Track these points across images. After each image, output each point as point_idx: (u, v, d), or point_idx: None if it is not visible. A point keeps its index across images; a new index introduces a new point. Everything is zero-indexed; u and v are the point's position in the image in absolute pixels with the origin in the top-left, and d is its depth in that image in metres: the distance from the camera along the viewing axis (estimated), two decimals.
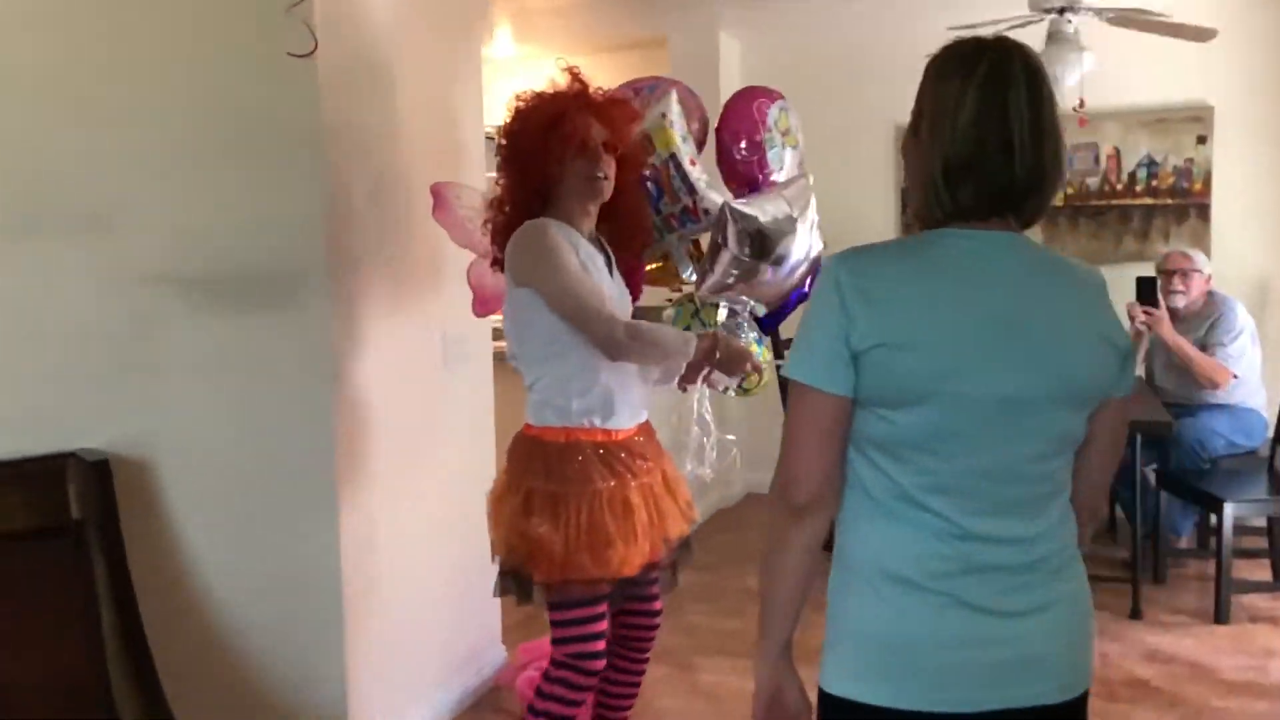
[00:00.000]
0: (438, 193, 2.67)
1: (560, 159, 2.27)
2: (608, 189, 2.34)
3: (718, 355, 2.34)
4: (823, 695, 1.38)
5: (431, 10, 2.99)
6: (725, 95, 2.83)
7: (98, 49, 2.40)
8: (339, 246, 2.59)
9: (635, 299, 2.57)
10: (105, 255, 2.41)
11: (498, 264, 2.43)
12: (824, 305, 1.31)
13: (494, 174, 2.43)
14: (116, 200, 2.43)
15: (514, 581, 2.31)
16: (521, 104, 2.35)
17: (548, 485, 2.24)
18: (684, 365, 2.33)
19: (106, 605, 2.18)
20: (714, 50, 5.25)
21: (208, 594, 2.53)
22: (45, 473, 2.26)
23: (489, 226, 2.42)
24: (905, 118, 1.38)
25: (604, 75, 2.49)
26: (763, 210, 2.50)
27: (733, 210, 2.47)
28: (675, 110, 2.62)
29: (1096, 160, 5.10)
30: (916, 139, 1.35)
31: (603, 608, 2.28)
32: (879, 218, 5.50)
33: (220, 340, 2.54)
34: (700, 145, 2.78)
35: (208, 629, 2.53)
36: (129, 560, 2.31)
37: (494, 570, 2.38)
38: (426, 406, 2.96)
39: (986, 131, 1.28)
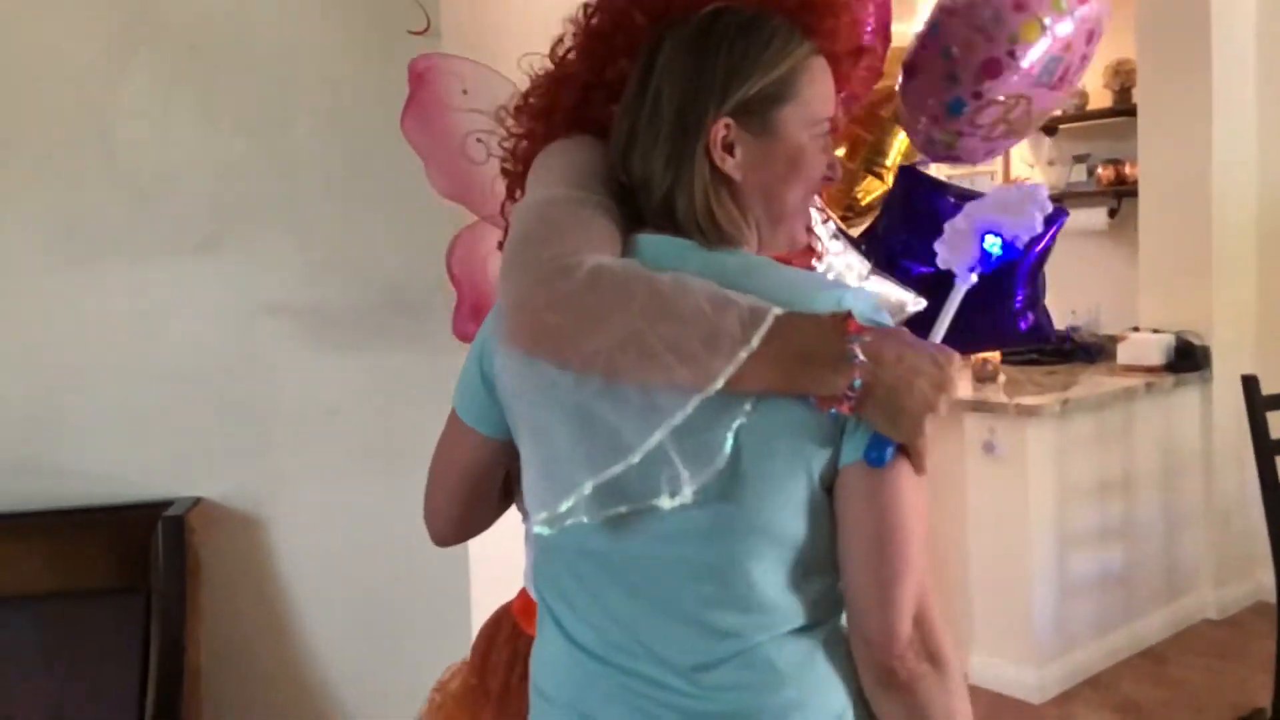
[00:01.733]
0: (421, 74, 1.49)
1: None
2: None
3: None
4: None
5: None
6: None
7: (219, 47, 2.11)
8: None
9: None
10: (219, 281, 2.11)
11: None
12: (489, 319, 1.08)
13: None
14: (233, 218, 2.12)
15: None
16: None
17: None
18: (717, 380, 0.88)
19: (154, 684, 1.85)
20: None
21: (298, 689, 2.13)
22: (126, 525, 1.98)
23: (519, 146, 1.19)
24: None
25: None
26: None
27: None
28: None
29: None
30: None
31: None
32: (1235, 175, 4.03)
33: (341, 380, 2.14)
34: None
35: None
36: (205, 634, 1.97)
37: None
38: None
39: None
